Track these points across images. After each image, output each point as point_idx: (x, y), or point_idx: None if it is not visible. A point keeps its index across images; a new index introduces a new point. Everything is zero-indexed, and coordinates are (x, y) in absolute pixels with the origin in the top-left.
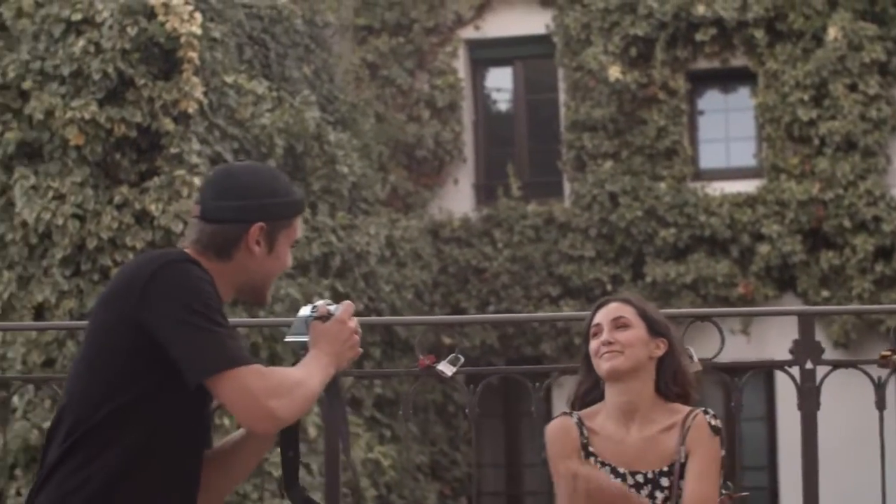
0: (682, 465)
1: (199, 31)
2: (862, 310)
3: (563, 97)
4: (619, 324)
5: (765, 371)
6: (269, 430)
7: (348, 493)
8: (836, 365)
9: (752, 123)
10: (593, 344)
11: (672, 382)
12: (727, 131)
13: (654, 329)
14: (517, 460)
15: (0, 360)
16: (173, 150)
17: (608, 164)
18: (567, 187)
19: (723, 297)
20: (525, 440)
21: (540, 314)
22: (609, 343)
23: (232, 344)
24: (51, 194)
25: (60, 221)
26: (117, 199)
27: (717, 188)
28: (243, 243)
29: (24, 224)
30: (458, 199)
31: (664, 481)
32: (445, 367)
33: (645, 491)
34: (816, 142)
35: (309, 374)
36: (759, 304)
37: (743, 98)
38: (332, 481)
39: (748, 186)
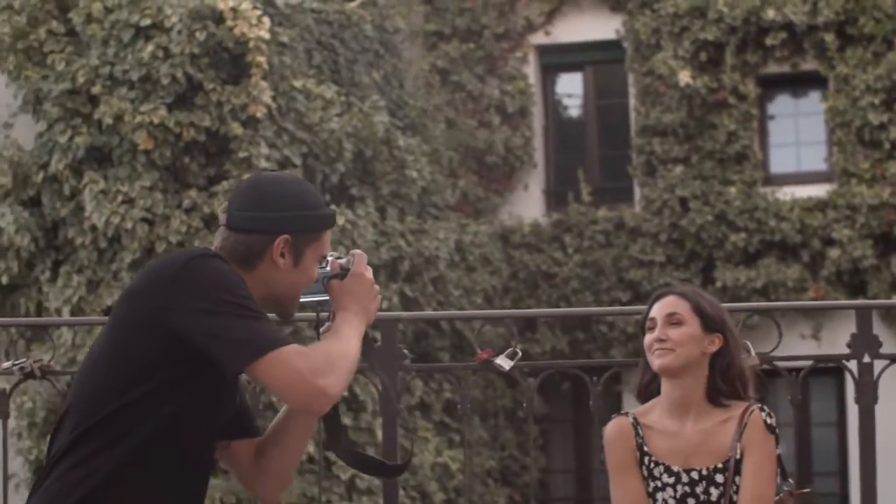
0: (738, 462)
1: (267, 36)
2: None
3: (633, 102)
4: (672, 320)
5: (835, 376)
6: (323, 409)
7: (417, 497)
8: (895, 359)
9: (822, 128)
10: (647, 338)
11: (722, 379)
12: (797, 136)
13: (709, 325)
14: (587, 466)
15: (71, 364)
16: (242, 154)
17: (678, 168)
18: (637, 192)
19: (793, 301)
20: (595, 445)
21: (599, 308)
22: (661, 340)
23: (268, 327)
24: (120, 198)
25: (129, 225)
26: (186, 202)
27: (788, 193)
28: (267, 255)
29: (94, 228)
30: (528, 205)
31: (719, 478)
32: (503, 361)
33: (700, 487)
34: (887, 146)
35: (347, 341)
36: (829, 309)
37: (813, 102)
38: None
39: (818, 191)
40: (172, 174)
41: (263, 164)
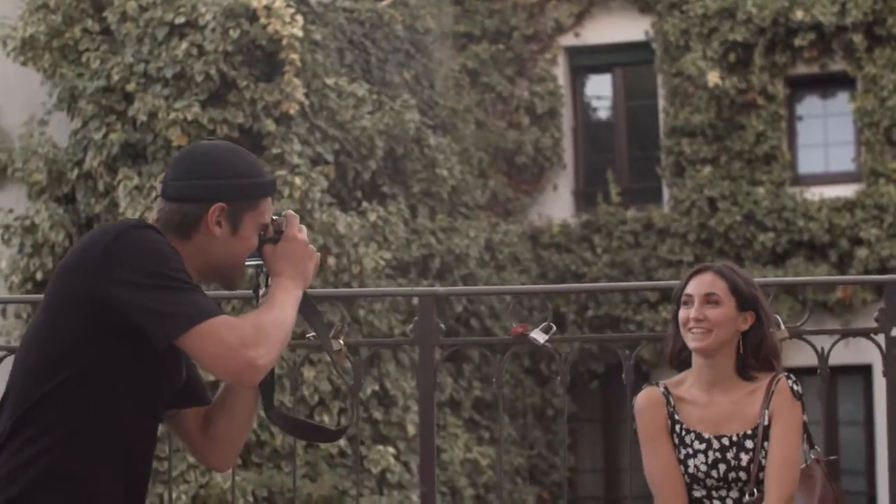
0: (766, 428)
1: (300, 34)
2: None
3: (661, 103)
4: (710, 300)
5: (863, 375)
6: (253, 381)
7: (447, 493)
8: None
9: (850, 128)
10: (683, 314)
11: (753, 356)
12: (826, 136)
13: (744, 303)
14: (616, 465)
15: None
16: (275, 151)
17: (707, 169)
18: (666, 193)
19: (821, 301)
20: (624, 445)
21: (623, 283)
22: (699, 320)
23: (199, 298)
24: (154, 194)
25: None
26: None
27: (816, 193)
28: (203, 224)
29: None
30: (557, 206)
31: (748, 443)
32: (538, 335)
33: (731, 453)
34: None
35: (281, 308)
36: (858, 308)
37: (841, 103)
38: (428, 479)
39: (847, 191)
40: None
41: (296, 160)
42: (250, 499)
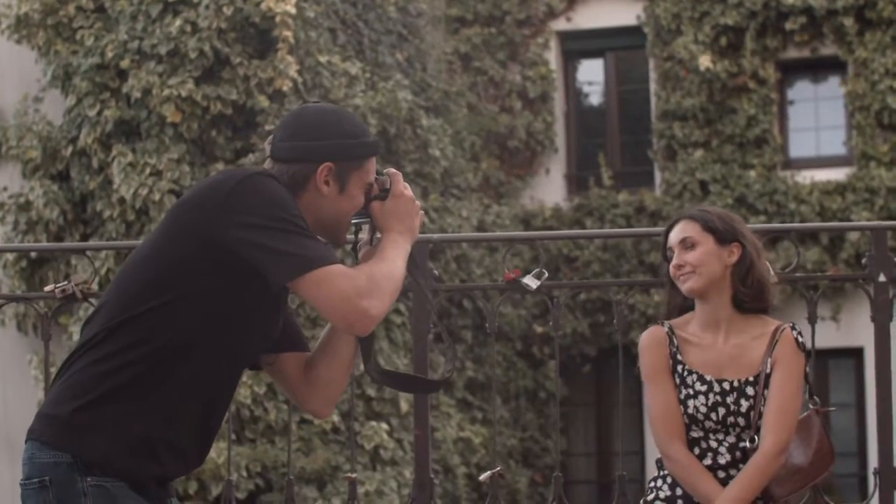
0: (768, 376)
1: (293, 11)
2: None
3: (653, 87)
4: (686, 244)
5: (854, 358)
6: (366, 329)
7: (440, 471)
8: None
9: (841, 112)
10: (671, 268)
11: (743, 284)
12: (817, 120)
13: (724, 237)
14: (609, 448)
15: None
16: (268, 128)
17: (698, 152)
18: (658, 176)
19: (812, 284)
20: (616, 428)
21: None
22: (680, 266)
23: (317, 245)
24: (148, 171)
25: (157, 197)
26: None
27: (807, 176)
28: (312, 183)
29: (122, 201)
30: (549, 189)
31: (749, 390)
32: (530, 281)
33: (731, 398)
34: None
35: (392, 262)
36: (849, 291)
37: (833, 87)
38: (422, 457)
39: (838, 174)
40: (200, 147)
41: None
42: (244, 473)
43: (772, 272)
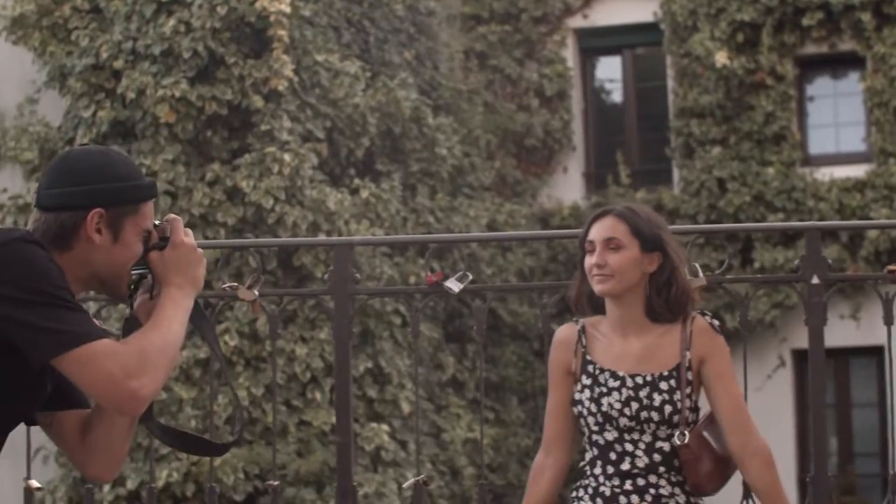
0: (688, 369)
1: (288, 10)
2: (864, 225)
3: (671, 84)
4: (611, 245)
5: (876, 357)
6: (136, 411)
7: (447, 472)
8: (842, 280)
9: (861, 108)
10: (587, 261)
11: (658, 295)
12: (836, 116)
13: (648, 246)
14: None
15: None
16: (264, 128)
17: (716, 150)
18: (676, 174)
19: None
20: None
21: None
22: (600, 266)
23: (81, 319)
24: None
25: None
26: (209, 175)
27: (826, 173)
28: (82, 232)
29: None
30: (567, 188)
31: (663, 385)
32: (453, 284)
33: (643, 392)
34: None
35: (167, 328)
36: (868, 289)
37: (851, 83)
38: (344, 465)
39: (857, 171)
40: (195, 147)
41: (286, 137)
42: (241, 475)
43: (699, 274)
